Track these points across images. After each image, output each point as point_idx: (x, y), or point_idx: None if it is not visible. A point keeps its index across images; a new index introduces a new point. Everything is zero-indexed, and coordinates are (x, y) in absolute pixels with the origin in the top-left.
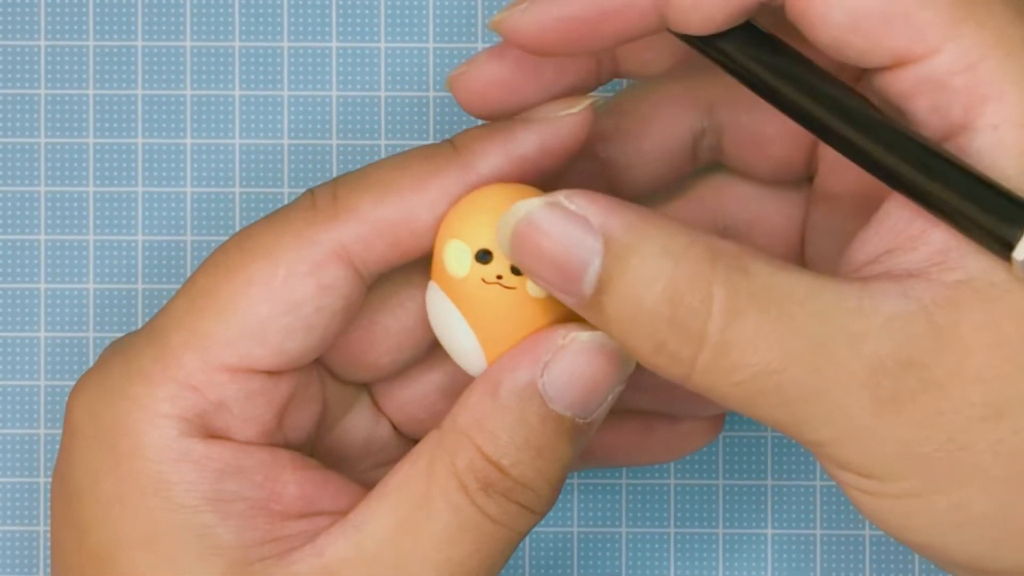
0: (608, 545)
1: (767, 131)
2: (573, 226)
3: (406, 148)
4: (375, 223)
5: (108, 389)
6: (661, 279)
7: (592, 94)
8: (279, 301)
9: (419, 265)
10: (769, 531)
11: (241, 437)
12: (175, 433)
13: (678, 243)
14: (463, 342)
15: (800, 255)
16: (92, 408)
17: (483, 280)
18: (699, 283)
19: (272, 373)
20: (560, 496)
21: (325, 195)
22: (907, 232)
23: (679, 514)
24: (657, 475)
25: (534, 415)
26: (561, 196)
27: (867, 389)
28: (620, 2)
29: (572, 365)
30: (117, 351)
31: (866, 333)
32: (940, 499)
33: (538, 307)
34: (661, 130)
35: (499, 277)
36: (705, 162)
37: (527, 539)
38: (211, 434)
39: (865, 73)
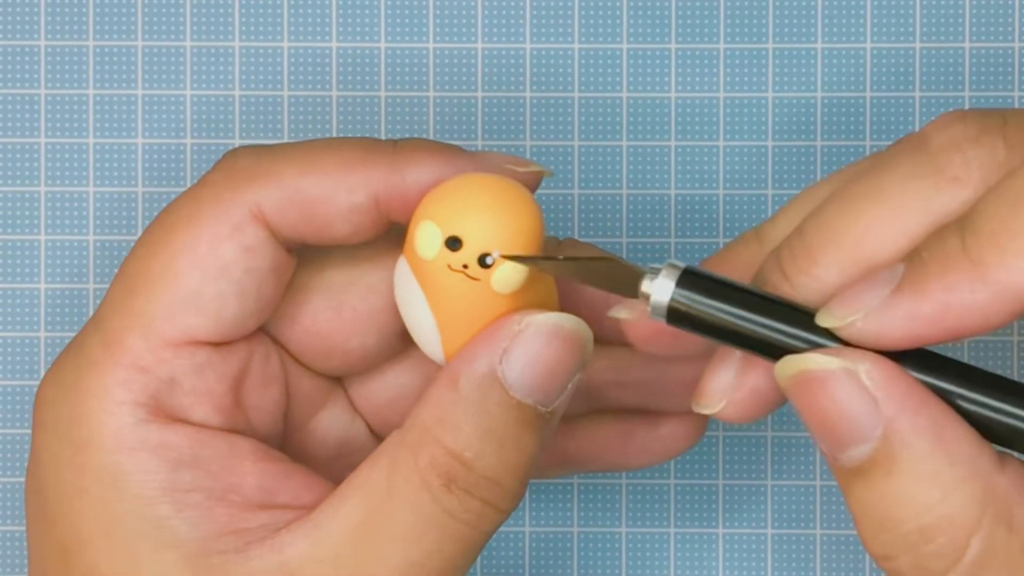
0: (608, 545)
1: None
2: (860, 402)
3: None
4: (293, 193)
5: (63, 384)
6: (921, 509)
7: (545, 167)
8: (207, 268)
9: (390, 248)
10: (769, 531)
11: (198, 417)
12: (131, 420)
13: (954, 473)
14: (422, 323)
15: None
16: (52, 403)
17: (449, 267)
18: (959, 530)
19: (218, 345)
20: (560, 496)
21: (248, 158)
22: None
23: (679, 514)
24: (657, 475)
25: (496, 404)
26: (861, 367)
27: None
28: (980, 318)
29: (530, 349)
30: (69, 346)
31: None
32: None
33: (501, 302)
34: None
35: (465, 267)
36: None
37: (527, 539)
38: (167, 415)
39: None
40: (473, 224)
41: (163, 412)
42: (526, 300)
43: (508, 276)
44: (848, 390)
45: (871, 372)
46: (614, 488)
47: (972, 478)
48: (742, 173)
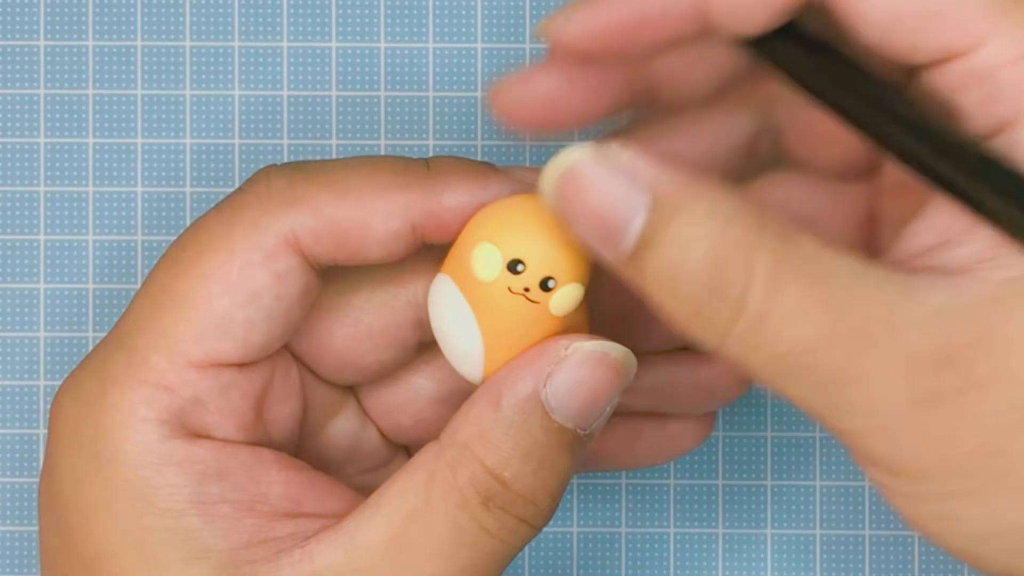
0: (608, 545)
1: (828, 127)
2: (621, 179)
3: (405, 148)
4: (328, 220)
5: (84, 398)
6: (706, 241)
7: None
8: (238, 293)
9: (406, 265)
10: (769, 531)
11: (221, 434)
12: (156, 437)
13: (727, 207)
14: (466, 344)
15: (866, 250)
16: (72, 417)
17: (509, 289)
18: (744, 249)
19: (242, 366)
20: None
21: (282, 181)
22: (957, 227)
23: (679, 514)
24: (657, 475)
25: (537, 427)
26: (611, 146)
27: (906, 382)
28: (662, 7)
29: (575, 375)
30: (90, 359)
31: (908, 325)
32: (974, 505)
33: (555, 325)
34: (715, 132)
35: (526, 290)
36: (763, 161)
37: None
38: (191, 432)
39: (914, 69)
40: (535, 248)
41: (187, 429)
42: (573, 320)
43: (566, 299)
44: (606, 170)
45: (621, 148)
46: (614, 488)
47: (744, 210)
48: None
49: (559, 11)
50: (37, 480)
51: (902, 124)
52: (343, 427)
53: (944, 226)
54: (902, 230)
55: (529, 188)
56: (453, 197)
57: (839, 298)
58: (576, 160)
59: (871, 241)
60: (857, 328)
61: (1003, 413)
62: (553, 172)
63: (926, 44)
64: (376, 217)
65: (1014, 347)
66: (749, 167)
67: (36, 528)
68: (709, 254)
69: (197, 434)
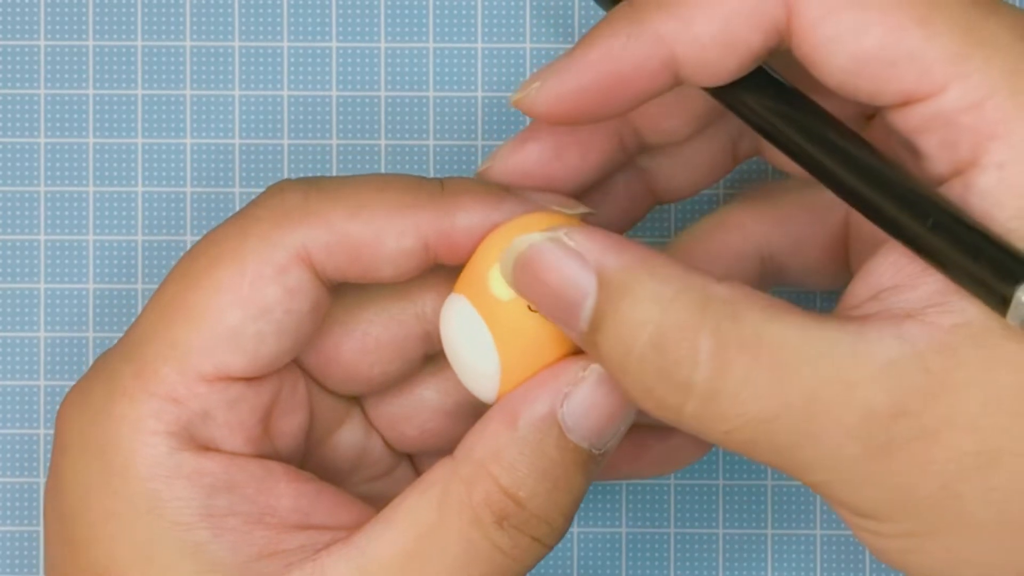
0: (608, 545)
1: None
2: (572, 261)
3: (405, 148)
4: (341, 235)
5: (92, 408)
6: (649, 325)
7: (590, 210)
8: (249, 307)
9: (414, 280)
10: (769, 531)
11: (229, 447)
12: (165, 449)
13: (668, 289)
14: (483, 363)
15: (846, 266)
16: (79, 427)
17: (528, 308)
18: (686, 332)
19: (250, 379)
20: None
21: (296, 196)
22: (908, 269)
23: (679, 514)
24: (657, 476)
25: (553, 446)
26: (562, 232)
27: (859, 438)
28: (632, 66)
29: (592, 396)
30: (98, 368)
31: (859, 381)
32: (933, 541)
33: (572, 344)
34: (700, 135)
35: None
36: (745, 159)
37: None
38: (200, 445)
39: (877, 110)
40: None
41: (195, 442)
42: None
43: None
44: (557, 254)
45: (571, 233)
46: (614, 488)
47: (687, 290)
48: (742, 172)
49: (529, 80)
50: (37, 480)
51: (860, 172)
52: (348, 437)
53: (896, 268)
54: (859, 270)
55: (543, 208)
56: (466, 217)
57: (787, 366)
58: (530, 244)
59: (849, 257)
60: (808, 393)
61: (956, 459)
62: (509, 259)
63: (888, 89)
64: (388, 234)
65: (964, 394)
66: (730, 169)
67: (37, 528)
68: (653, 338)
69: (206, 447)
